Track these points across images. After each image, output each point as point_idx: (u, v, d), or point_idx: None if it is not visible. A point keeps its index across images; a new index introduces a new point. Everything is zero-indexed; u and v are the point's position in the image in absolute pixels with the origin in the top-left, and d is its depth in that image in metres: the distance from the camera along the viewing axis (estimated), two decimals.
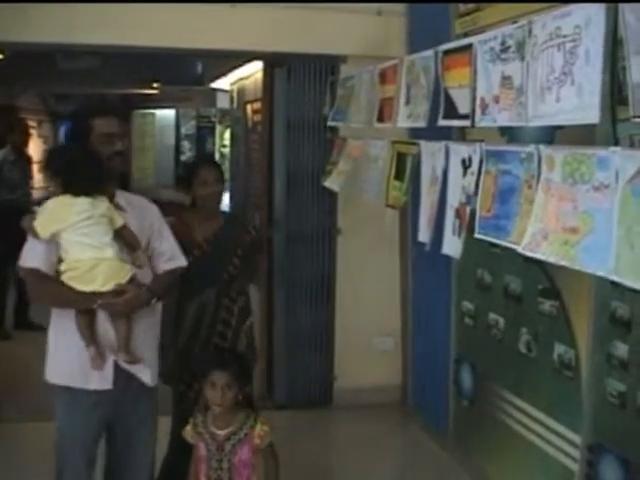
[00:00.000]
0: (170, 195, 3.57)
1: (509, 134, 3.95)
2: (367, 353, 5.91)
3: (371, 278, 5.91)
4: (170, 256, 3.42)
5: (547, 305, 3.86)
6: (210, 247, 4.01)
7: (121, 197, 3.32)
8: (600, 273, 2.22)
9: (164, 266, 3.39)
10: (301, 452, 4.88)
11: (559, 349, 3.78)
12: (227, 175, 11.74)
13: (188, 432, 3.31)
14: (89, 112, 3.44)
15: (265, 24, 5.38)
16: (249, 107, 9.05)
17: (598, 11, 2.29)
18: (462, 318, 4.84)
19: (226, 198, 10.92)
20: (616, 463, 3.38)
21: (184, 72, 11.70)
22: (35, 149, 13.43)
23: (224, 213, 4.40)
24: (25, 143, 8.21)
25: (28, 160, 8.04)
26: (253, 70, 7.51)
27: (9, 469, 4.66)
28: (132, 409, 3.32)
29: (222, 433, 3.23)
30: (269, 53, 5.66)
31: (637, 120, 2.16)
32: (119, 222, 3.15)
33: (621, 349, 3.32)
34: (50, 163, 3.17)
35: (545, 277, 3.85)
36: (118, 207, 3.22)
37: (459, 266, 4.75)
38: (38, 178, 11.68)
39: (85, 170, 3.10)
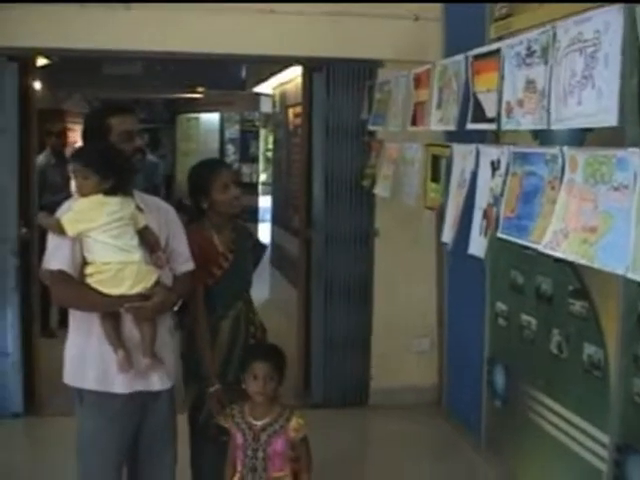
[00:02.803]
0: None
1: (541, 137, 4.00)
2: (403, 353, 5.99)
3: (408, 279, 5.99)
4: (186, 258, 3.38)
5: (578, 306, 3.90)
6: (234, 257, 3.78)
7: (137, 197, 3.25)
8: (618, 271, 2.28)
9: (182, 268, 3.36)
10: (336, 450, 4.96)
11: (589, 350, 3.83)
12: (271, 179, 11.94)
13: (224, 422, 3.40)
14: (102, 112, 3.44)
15: (304, 30, 5.51)
16: (290, 111, 9.17)
17: (617, 16, 2.36)
18: (495, 319, 4.89)
19: (268, 201, 11.12)
20: None
21: (227, 77, 11.86)
22: None
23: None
24: (64, 146, 8.35)
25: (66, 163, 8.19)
26: (294, 75, 7.63)
27: (55, 462, 4.77)
28: (155, 411, 3.32)
29: (259, 424, 3.33)
30: (308, 58, 5.79)
31: None
32: (142, 223, 3.12)
33: None
34: (90, 159, 3.08)
35: (575, 278, 3.89)
36: (138, 208, 3.16)
37: (493, 267, 4.81)
38: None
39: (122, 168, 3.09)
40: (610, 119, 2.34)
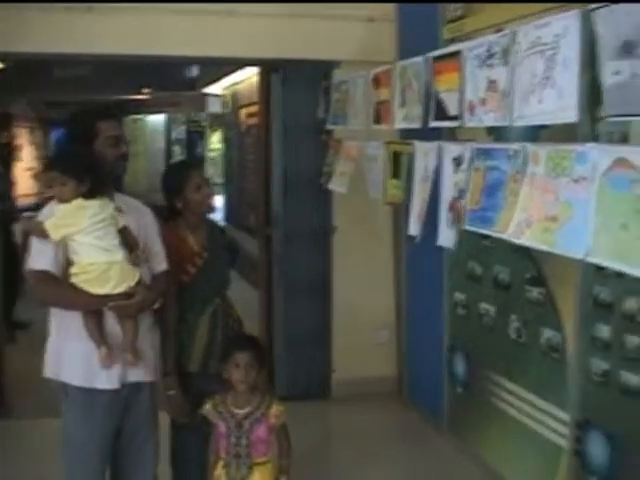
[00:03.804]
0: (162, 199, 3.61)
1: (495, 133, 4.20)
2: (364, 346, 6.13)
3: (366, 273, 6.14)
4: (163, 257, 3.47)
5: (535, 292, 4.12)
6: (208, 254, 3.87)
7: (117, 199, 3.32)
8: (578, 256, 2.49)
9: (159, 267, 3.45)
10: (302, 443, 5.04)
11: (547, 334, 4.04)
12: (220, 178, 12.02)
13: (209, 411, 3.53)
14: (90, 115, 3.44)
15: (261, 32, 5.61)
16: (242, 111, 9.30)
17: (574, 21, 2.57)
18: (455, 308, 5.09)
19: (218, 201, 11.21)
20: (602, 438, 3.63)
21: (177, 78, 11.90)
22: (27, 156, 13.65)
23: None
24: (10, 154, 8.23)
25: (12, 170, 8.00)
26: (247, 75, 7.76)
27: (23, 465, 4.85)
28: (137, 404, 3.40)
29: (241, 412, 3.46)
30: (266, 59, 5.91)
31: (610, 119, 2.43)
32: (121, 223, 3.19)
33: (604, 331, 3.57)
34: (67, 165, 3.14)
35: (532, 266, 4.10)
36: (117, 209, 3.23)
37: (451, 259, 5.01)
38: (29, 185, 11.84)
39: (100, 172, 3.16)
40: (570, 115, 2.54)
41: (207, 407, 3.52)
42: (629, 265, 2.28)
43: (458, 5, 4.78)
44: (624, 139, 3.31)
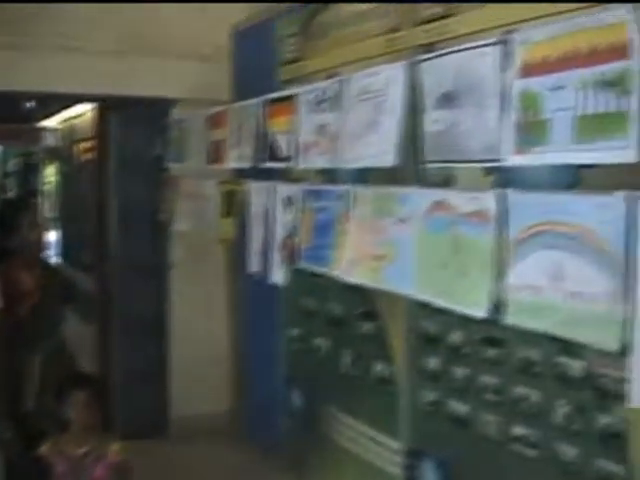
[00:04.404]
0: None
1: (327, 174, 4.32)
2: (201, 382, 6.09)
3: (203, 310, 6.14)
4: None
5: (367, 327, 4.24)
6: (42, 293, 3.89)
7: None
8: (405, 292, 2.62)
9: None
10: None
11: (379, 367, 4.17)
12: (54, 212, 11.74)
13: (46, 451, 3.45)
14: None
15: (97, 68, 5.55)
16: (79, 146, 9.13)
17: (400, 71, 2.72)
18: (290, 344, 5.17)
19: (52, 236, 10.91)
20: (433, 465, 3.76)
21: (11, 110, 11.57)
22: None
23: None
24: None
25: None
26: (83, 110, 7.65)
27: None
28: None
29: (79, 452, 3.42)
30: (102, 96, 5.87)
31: (430, 164, 2.59)
32: None
33: (432, 363, 3.73)
34: None
35: (365, 302, 4.21)
36: None
37: (286, 294, 5.07)
38: None
39: None
40: (389, 160, 2.69)
41: (44, 447, 3.46)
42: (450, 301, 2.43)
43: (294, 47, 4.90)
44: (447, 183, 3.50)
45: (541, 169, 2.65)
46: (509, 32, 2.52)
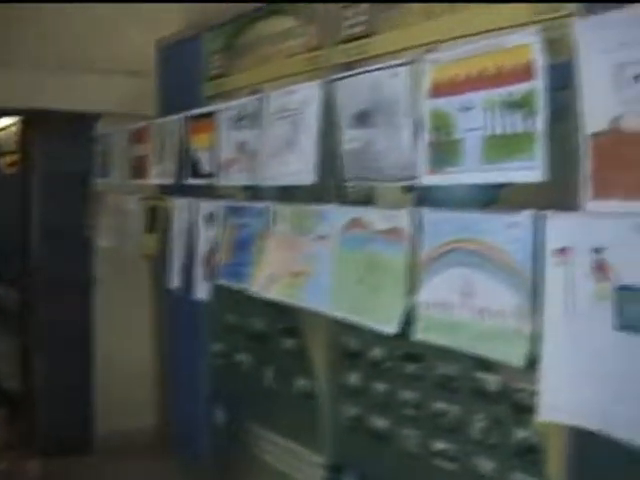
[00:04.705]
0: None
1: (252, 190, 4.33)
2: (126, 398, 6.02)
3: (128, 325, 6.10)
4: None
5: (289, 343, 4.27)
6: None
7: None
8: (322, 309, 2.65)
9: None
10: None
11: (300, 382, 4.19)
12: None
13: None
14: None
15: (22, 82, 5.49)
16: (3, 159, 8.99)
17: (317, 90, 2.76)
18: (214, 359, 5.16)
19: None
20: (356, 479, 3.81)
21: None
22: None
23: None
24: None
25: None
26: (7, 123, 7.54)
27: None
28: None
29: None
30: (27, 109, 5.80)
31: (348, 183, 2.62)
32: None
33: (353, 378, 3.76)
34: None
35: (286, 318, 4.23)
36: None
37: (209, 310, 5.06)
38: None
39: None
40: (308, 178, 2.72)
41: None
42: (363, 318, 2.46)
43: (219, 63, 4.91)
44: (369, 200, 3.53)
45: (459, 187, 2.71)
46: (420, 53, 2.58)
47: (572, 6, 2.39)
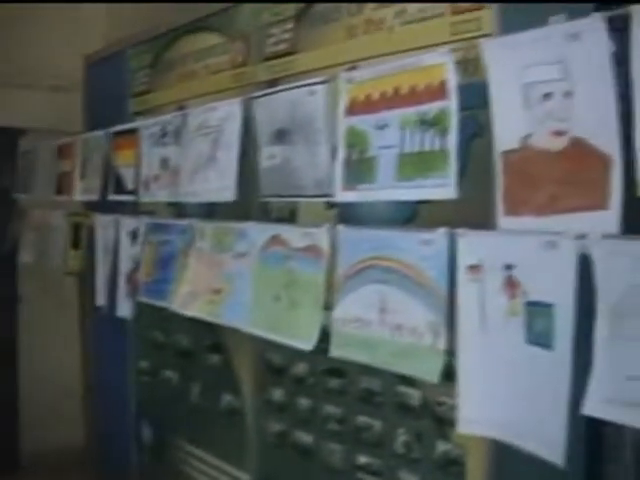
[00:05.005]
0: None
1: (176, 207, 4.33)
2: (53, 416, 6.00)
3: (54, 343, 6.05)
4: None
5: (214, 359, 4.26)
6: None
7: None
8: (241, 327, 2.65)
9: None
10: None
11: (226, 398, 4.18)
12: None
13: None
14: None
15: None
16: None
17: (237, 108, 2.77)
18: (140, 376, 5.12)
19: None
20: None
21: None
22: None
23: None
24: None
25: None
26: None
27: None
28: None
29: None
30: None
31: (266, 199, 2.64)
32: None
33: (278, 394, 3.77)
34: None
35: (212, 334, 4.23)
36: None
37: (135, 327, 5.03)
38: None
39: None
40: (229, 195, 2.73)
41: None
42: (281, 335, 2.47)
43: (145, 79, 4.89)
44: (292, 217, 3.55)
45: (379, 204, 2.74)
46: (338, 71, 2.61)
47: (492, 26, 2.43)
